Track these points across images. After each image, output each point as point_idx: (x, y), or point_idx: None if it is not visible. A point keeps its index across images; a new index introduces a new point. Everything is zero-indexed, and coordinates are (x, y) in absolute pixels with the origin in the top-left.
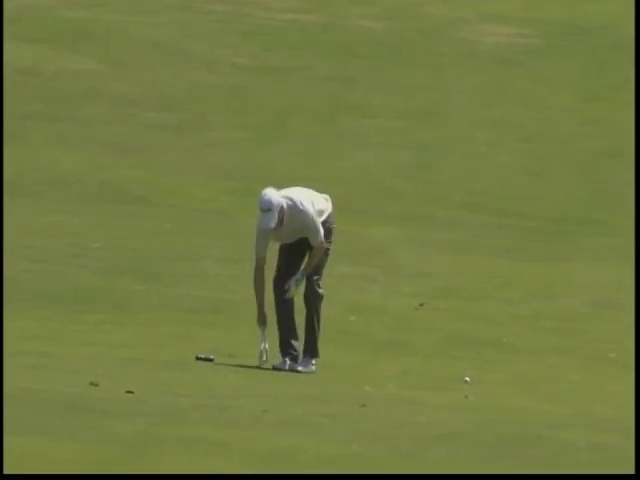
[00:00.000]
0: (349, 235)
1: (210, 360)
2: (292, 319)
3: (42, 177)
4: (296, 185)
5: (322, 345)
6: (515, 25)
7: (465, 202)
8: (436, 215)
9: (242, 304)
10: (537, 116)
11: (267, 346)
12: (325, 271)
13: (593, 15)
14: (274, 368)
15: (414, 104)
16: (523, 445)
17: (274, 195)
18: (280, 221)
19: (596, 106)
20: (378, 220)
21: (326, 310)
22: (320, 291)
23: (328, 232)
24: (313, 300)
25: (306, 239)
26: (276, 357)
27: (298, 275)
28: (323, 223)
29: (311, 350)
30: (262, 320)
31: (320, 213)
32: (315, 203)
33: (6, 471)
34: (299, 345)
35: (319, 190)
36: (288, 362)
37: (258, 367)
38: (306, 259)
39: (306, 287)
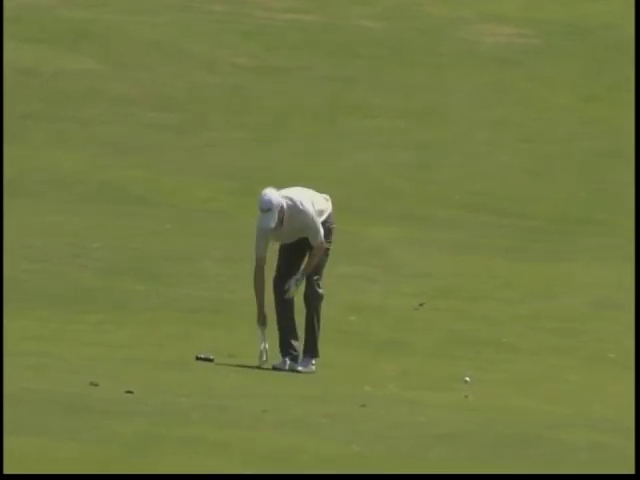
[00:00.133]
0: (349, 235)
1: (210, 360)
2: (292, 319)
3: (42, 177)
4: (296, 185)
5: (322, 345)
6: (515, 25)
7: (465, 202)
8: (436, 215)
9: (242, 304)
10: (537, 116)
11: (267, 346)
12: (325, 271)
13: (593, 15)
14: (274, 368)
15: (414, 104)
16: (523, 445)
17: (274, 195)
18: (280, 221)
19: (596, 106)
20: (378, 220)
21: (326, 310)
22: (320, 291)
23: (328, 232)
24: (313, 300)
25: (306, 239)
26: (276, 357)
27: (298, 275)
28: (323, 223)
29: (311, 350)
30: (262, 320)
31: (320, 213)
32: (315, 203)
33: (6, 471)
34: (299, 345)
35: (319, 190)
36: (288, 362)
37: (258, 367)
38: (306, 259)
39: (306, 287)
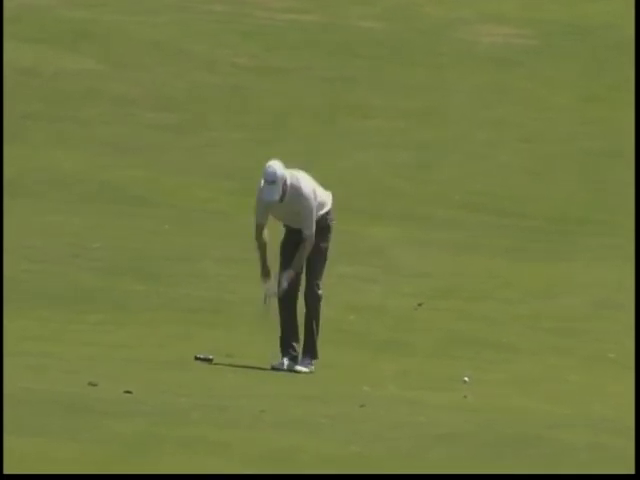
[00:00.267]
0: (349, 235)
1: (209, 360)
2: (294, 320)
3: (42, 177)
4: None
5: (322, 345)
6: (515, 25)
7: (465, 202)
8: (436, 215)
9: (242, 304)
10: (537, 116)
11: (272, 291)
12: (325, 271)
13: (593, 15)
14: (273, 368)
15: (414, 104)
16: (523, 445)
17: (279, 167)
18: (283, 193)
19: (596, 106)
20: (378, 220)
21: (326, 310)
22: (319, 292)
23: (327, 228)
24: (312, 301)
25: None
26: (276, 357)
27: (290, 270)
28: (323, 217)
29: (310, 351)
30: (266, 273)
31: (321, 206)
32: (317, 195)
33: (6, 471)
34: (299, 347)
35: None
36: (287, 362)
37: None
38: (308, 260)
39: (305, 288)
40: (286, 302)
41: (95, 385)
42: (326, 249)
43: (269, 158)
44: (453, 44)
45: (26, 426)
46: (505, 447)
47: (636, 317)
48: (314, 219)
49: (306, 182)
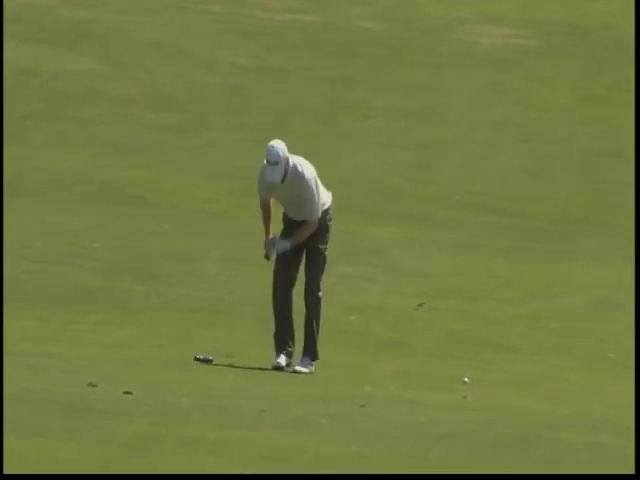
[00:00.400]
0: (349, 235)
1: (209, 361)
2: (290, 319)
3: (42, 177)
4: None
5: (322, 345)
6: (514, 25)
7: (465, 202)
8: (436, 215)
9: (242, 304)
10: (537, 116)
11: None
12: (325, 272)
13: (593, 15)
14: (274, 368)
15: (414, 104)
16: (523, 445)
17: (282, 147)
18: (285, 173)
19: (596, 106)
20: (378, 220)
21: (326, 310)
22: (319, 294)
23: (326, 228)
24: (312, 302)
25: (305, 243)
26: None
27: (286, 242)
28: (322, 215)
29: (310, 352)
30: (270, 242)
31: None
32: (319, 185)
33: (6, 471)
34: (293, 344)
35: None
36: (284, 358)
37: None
38: (306, 259)
39: (305, 290)
40: (280, 300)
41: (95, 386)
42: (325, 250)
43: None
44: (453, 44)
45: (26, 426)
46: (505, 447)
47: (636, 317)
48: (318, 202)
49: (309, 167)
